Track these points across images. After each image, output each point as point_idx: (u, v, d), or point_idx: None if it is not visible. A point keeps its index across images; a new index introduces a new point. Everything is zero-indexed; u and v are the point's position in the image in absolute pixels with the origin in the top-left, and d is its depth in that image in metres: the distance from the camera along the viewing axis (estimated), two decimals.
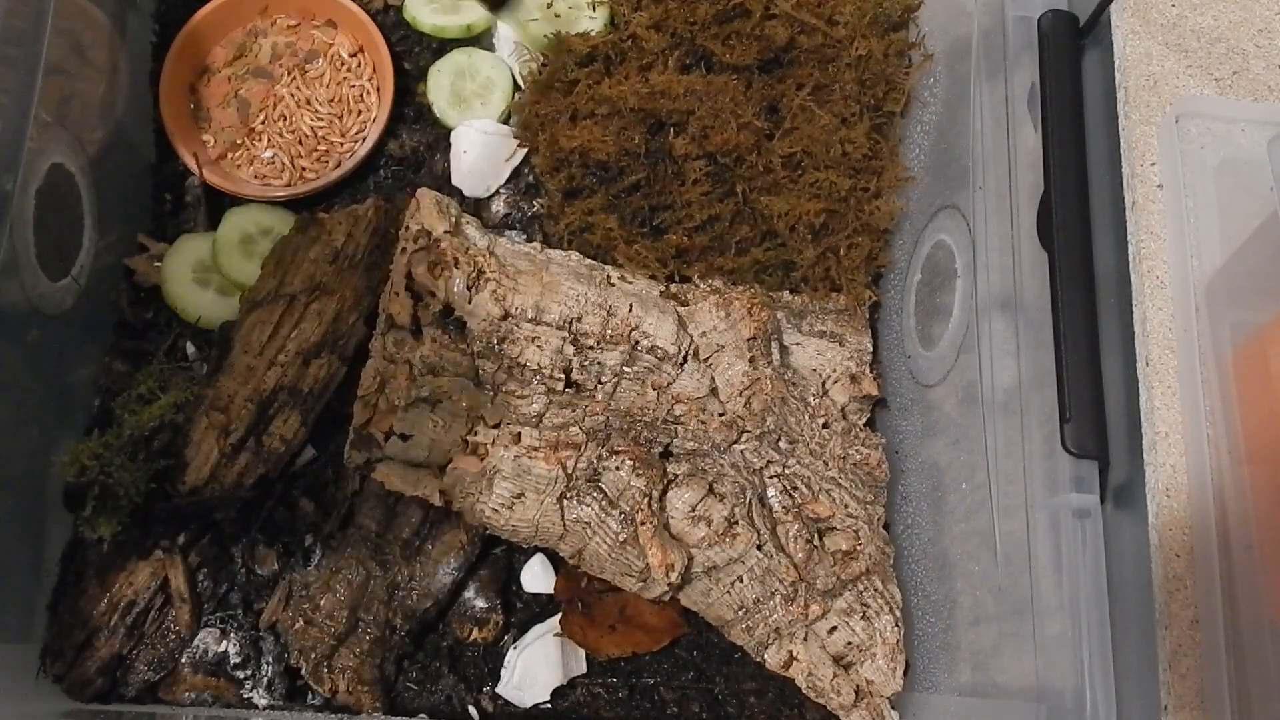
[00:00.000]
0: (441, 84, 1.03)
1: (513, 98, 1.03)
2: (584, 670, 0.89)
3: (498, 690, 0.87)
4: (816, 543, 0.83)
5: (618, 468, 0.80)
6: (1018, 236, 0.77)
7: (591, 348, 0.83)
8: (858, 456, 0.88)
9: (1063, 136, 0.75)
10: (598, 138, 0.92)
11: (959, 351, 0.86)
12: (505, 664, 0.88)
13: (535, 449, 0.80)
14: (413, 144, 1.03)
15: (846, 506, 0.85)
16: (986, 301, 0.81)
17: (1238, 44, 0.82)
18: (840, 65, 0.94)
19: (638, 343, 0.84)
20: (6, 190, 0.75)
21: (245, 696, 0.86)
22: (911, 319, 0.94)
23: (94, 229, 0.91)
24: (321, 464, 0.91)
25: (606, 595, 0.88)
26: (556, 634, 0.87)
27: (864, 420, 0.91)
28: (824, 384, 0.90)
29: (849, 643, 0.82)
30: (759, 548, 0.82)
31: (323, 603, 0.85)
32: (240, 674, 0.86)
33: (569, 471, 0.79)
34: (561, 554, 0.83)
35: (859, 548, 0.84)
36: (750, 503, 0.83)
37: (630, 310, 0.84)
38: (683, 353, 0.85)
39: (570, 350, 0.82)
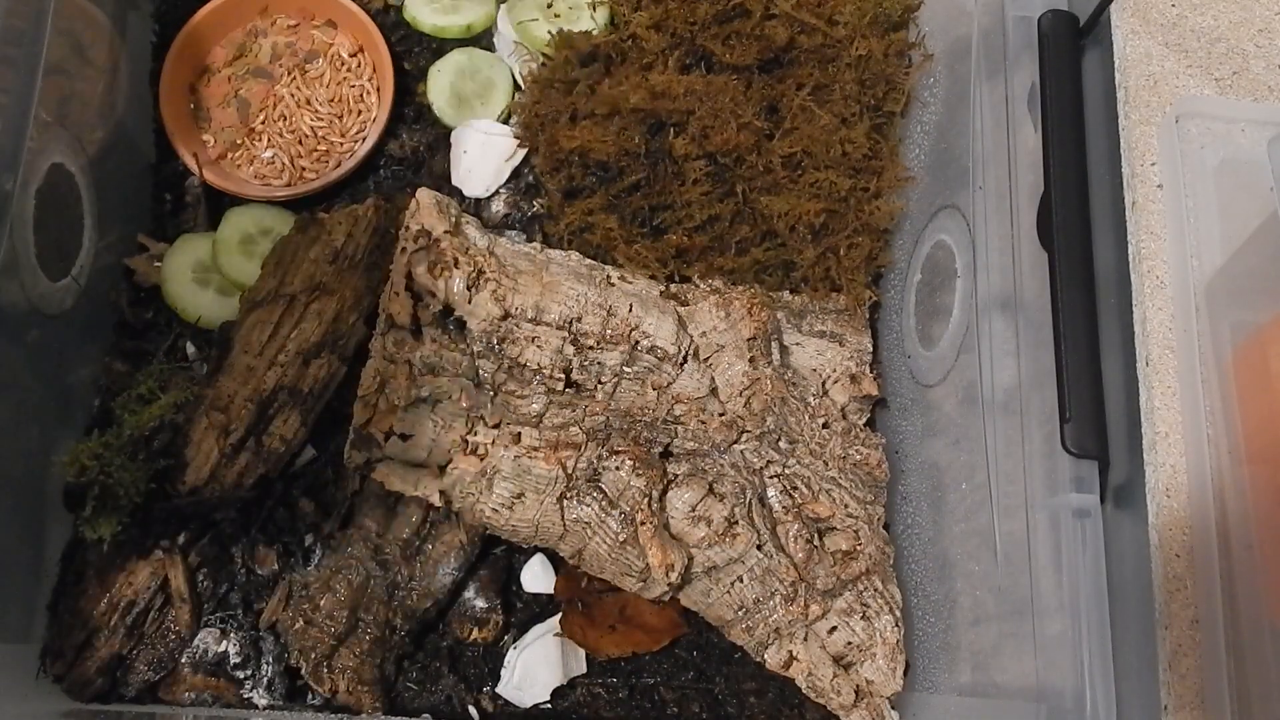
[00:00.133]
0: (441, 84, 1.03)
1: (513, 98, 1.03)
2: (584, 670, 0.89)
3: (498, 690, 0.87)
4: (816, 543, 0.83)
5: (618, 468, 0.80)
6: (1018, 236, 0.77)
7: (591, 348, 0.83)
8: (858, 456, 0.88)
9: (1063, 136, 0.75)
10: (598, 138, 0.92)
11: (959, 351, 0.86)
12: (505, 664, 0.88)
13: (535, 449, 0.80)
14: (413, 144, 1.03)
15: (846, 506, 0.85)
16: (986, 301, 0.81)
17: (1238, 44, 0.82)
18: (840, 65, 0.94)
19: (638, 343, 0.84)
20: (6, 190, 0.75)
21: (245, 696, 0.86)
22: (911, 319, 0.94)
23: (94, 229, 0.91)
24: (321, 464, 0.91)
25: (606, 595, 0.88)
26: (556, 634, 0.87)
27: (864, 420, 0.91)
28: (824, 384, 0.90)
29: (849, 643, 0.82)
30: (759, 548, 0.82)
31: (323, 603, 0.85)
32: (240, 674, 0.86)
33: (569, 471, 0.79)
34: (561, 554, 0.83)
35: (859, 548, 0.84)
36: (750, 503, 0.83)
37: (630, 310, 0.84)
38: (683, 353, 0.85)
39: (570, 350, 0.82)
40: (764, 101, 0.93)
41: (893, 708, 0.83)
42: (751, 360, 0.85)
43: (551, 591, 0.90)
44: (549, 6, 1.02)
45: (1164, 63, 0.81)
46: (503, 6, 1.04)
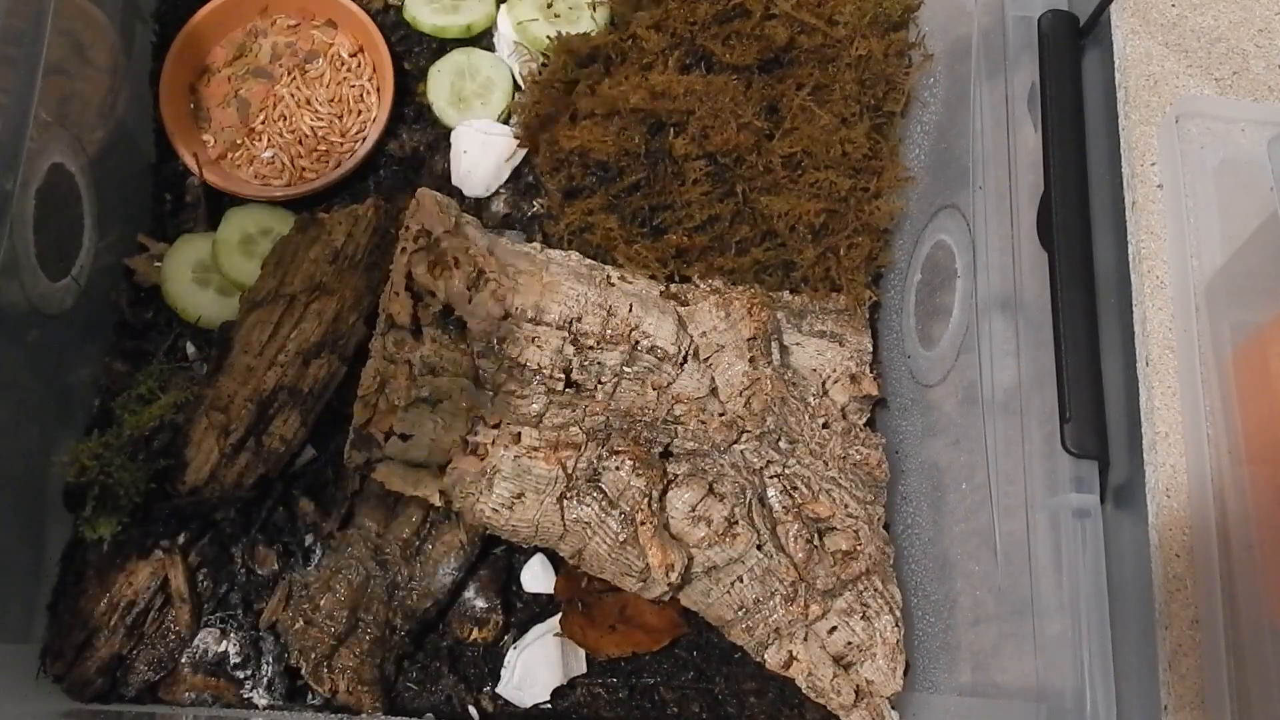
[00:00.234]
0: (441, 84, 1.03)
1: (513, 98, 1.03)
2: (584, 670, 0.89)
3: (498, 690, 0.87)
4: (816, 543, 0.83)
5: (618, 468, 0.80)
6: (1018, 236, 0.77)
7: (591, 348, 0.83)
8: (858, 456, 0.88)
9: (1063, 136, 0.75)
10: (598, 138, 0.92)
11: (959, 351, 0.86)
12: (505, 664, 0.88)
13: (535, 449, 0.80)
14: (413, 144, 1.03)
15: (846, 506, 0.85)
16: (986, 301, 0.81)
17: (1238, 44, 0.82)
18: (840, 65, 0.94)
19: (638, 343, 0.84)
20: (6, 190, 0.75)
21: (245, 696, 0.86)
22: (911, 319, 0.94)
23: (94, 229, 0.91)
24: (321, 464, 0.91)
25: (606, 595, 0.88)
26: (556, 634, 0.87)
27: (864, 420, 0.91)
28: (824, 384, 0.90)
29: (849, 643, 0.82)
30: (759, 548, 0.82)
31: (323, 603, 0.85)
32: (240, 674, 0.86)
33: (569, 471, 0.79)
34: (561, 554, 0.83)
35: (859, 548, 0.84)
36: (750, 503, 0.83)
37: (630, 310, 0.84)
38: (683, 353, 0.85)
39: (570, 350, 0.82)
40: (764, 101, 0.93)
41: (893, 708, 0.83)
42: (751, 360, 0.85)
43: (551, 591, 0.90)
44: (549, 6, 1.02)
45: (1164, 63, 0.81)
46: (503, 6, 1.04)
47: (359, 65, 1.05)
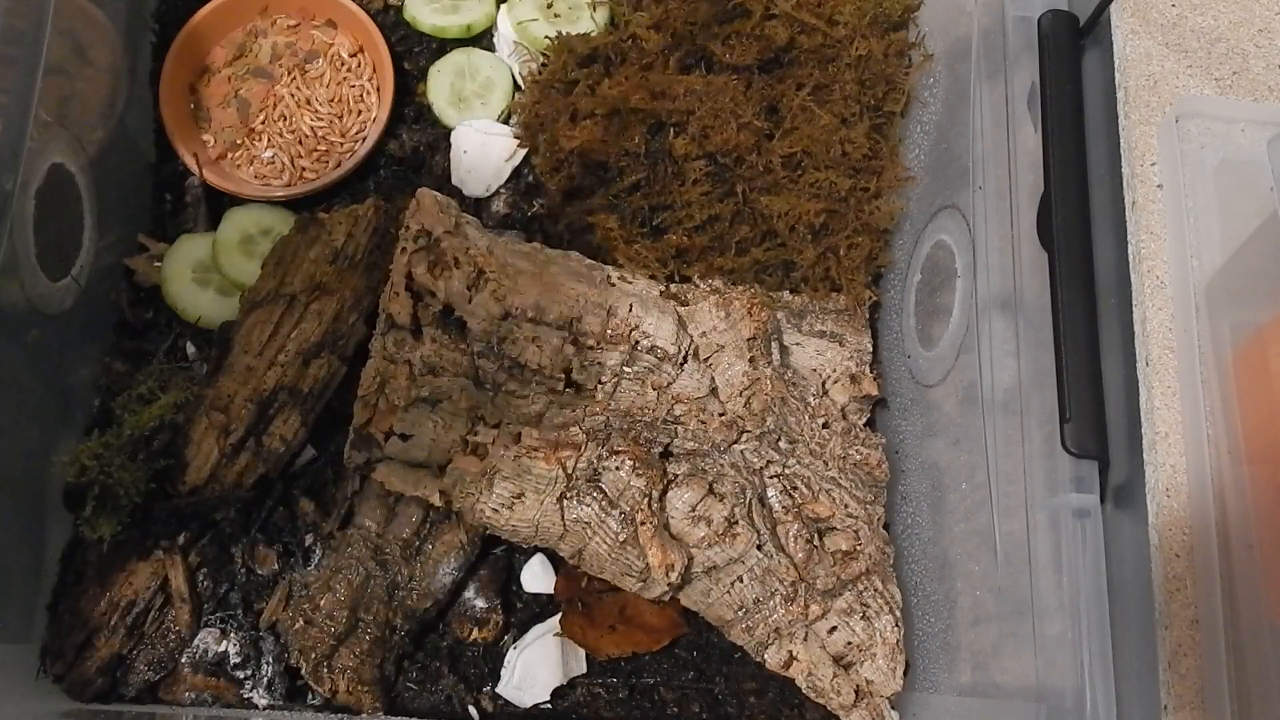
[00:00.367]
0: (441, 84, 1.03)
1: (513, 98, 1.03)
2: (584, 670, 0.89)
3: (498, 690, 0.87)
4: (816, 543, 0.83)
5: (618, 468, 0.80)
6: (1018, 236, 0.77)
7: (591, 348, 0.83)
8: (858, 456, 0.88)
9: (1063, 136, 0.75)
10: (598, 138, 0.92)
11: (959, 351, 0.86)
12: (505, 664, 0.88)
13: (535, 449, 0.80)
14: (413, 144, 1.03)
15: (846, 506, 0.85)
16: (986, 301, 0.81)
17: (1238, 44, 0.82)
18: (840, 65, 0.94)
19: (638, 343, 0.84)
20: (6, 190, 0.75)
21: (245, 696, 0.86)
22: (911, 319, 0.94)
23: (94, 229, 0.91)
24: (321, 464, 0.91)
25: (606, 595, 0.88)
26: (556, 634, 0.87)
27: (864, 420, 0.91)
28: (824, 384, 0.90)
29: (849, 643, 0.82)
30: (759, 548, 0.82)
31: (323, 603, 0.85)
32: (240, 674, 0.86)
33: (569, 471, 0.79)
34: (561, 554, 0.83)
35: (859, 548, 0.84)
36: (750, 503, 0.83)
37: (630, 310, 0.84)
38: (683, 353, 0.85)
39: (570, 350, 0.82)
40: (764, 101, 0.93)
41: (893, 708, 0.83)
42: (751, 360, 0.85)
43: (551, 591, 0.90)
44: (549, 6, 1.02)
45: (1164, 63, 0.81)
46: (503, 6, 1.04)
47: (359, 65, 1.05)
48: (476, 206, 1.01)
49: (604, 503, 0.79)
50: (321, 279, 0.89)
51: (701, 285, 0.91)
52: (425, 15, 1.05)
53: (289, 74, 1.04)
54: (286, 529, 0.90)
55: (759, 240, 0.94)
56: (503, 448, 0.80)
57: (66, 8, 0.84)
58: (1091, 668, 0.66)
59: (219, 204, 1.00)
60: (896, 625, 0.82)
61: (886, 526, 0.88)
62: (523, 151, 1.00)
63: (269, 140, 1.03)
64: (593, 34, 0.99)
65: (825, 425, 0.88)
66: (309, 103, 1.03)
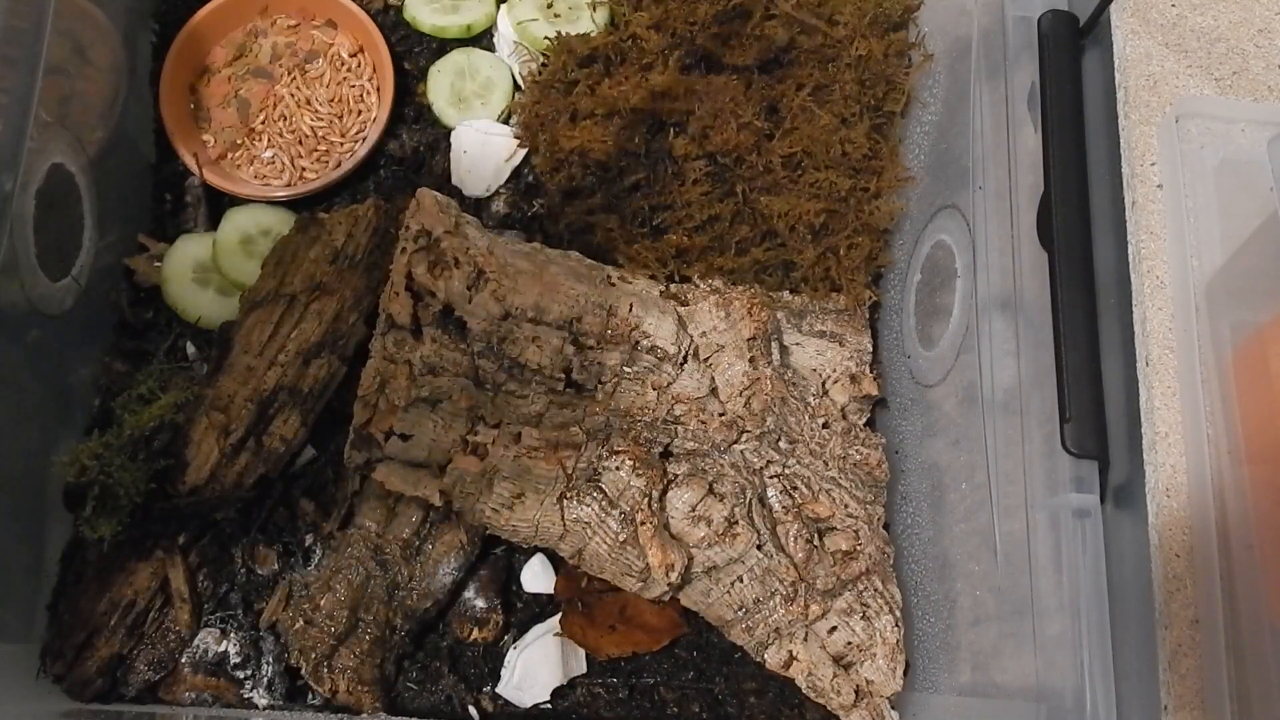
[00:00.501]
0: (441, 84, 1.03)
1: (513, 98, 1.03)
2: (584, 670, 0.89)
3: (498, 690, 0.87)
4: (816, 543, 0.83)
5: (618, 468, 0.80)
6: (1018, 236, 0.77)
7: (591, 348, 0.83)
8: (858, 456, 0.88)
9: (1063, 136, 0.75)
10: (598, 138, 0.92)
11: (959, 351, 0.86)
12: (505, 664, 0.88)
13: (535, 449, 0.80)
14: (413, 144, 1.03)
15: (846, 506, 0.85)
16: (986, 301, 0.81)
17: (1238, 44, 0.82)
18: (840, 65, 0.94)
19: (638, 343, 0.84)
20: (6, 190, 0.75)
21: (245, 696, 0.86)
22: (911, 319, 0.94)
23: (94, 229, 0.91)
24: (321, 464, 0.91)
25: (606, 595, 0.88)
26: (556, 634, 0.87)
27: (864, 420, 0.91)
28: (824, 384, 0.90)
29: (849, 643, 0.82)
30: (759, 548, 0.82)
31: (323, 603, 0.85)
32: (240, 674, 0.86)
33: (569, 471, 0.79)
34: (561, 554, 0.83)
35: (859, 548, 0.84)
36: (750, 503, 0.83)
37: (630, 310, 0.84)
38: (683, 353, 0.85)
39: (570, 350, 0.82)
40: (764, 101, 0.93)
41: (893, 708, 0.83)
42: (751, 360, 0.85)
43: (551, 591, 0.90)
44: (549, 7, 1.02)
45: (1164, 63, 0.81)
46: (503, 6, 1.04)
47: (359, 65, 1.05)
48: (476, 206, 1.01)
49: (604, 503, 0.79)
50: (321, 279, 0.89)
51: (701, 285, 0.91)
52: (425, 15, 1.05)
53: (289, 74, 1.04)
54: (286, 529, 0.89)
55: (759, 240, 0.94)
56: (503, 448, 0.79)
57: (66, 8, 0.84)
58: (1091, 668, 0.66)
59: (219, 204, 1.00)
60: (896, 625, 0.82)
61: (886, 526, 0.88)
62: (523, 151, 1.00)
63: (269, 140, 1.03)
64: (593, 34, 0.99)
65: (825, 425, 0.88)
66: (309, 103, 1.03)
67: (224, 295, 0.95)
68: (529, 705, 0.87)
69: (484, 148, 0.99)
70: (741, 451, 0.85)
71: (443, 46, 1.05)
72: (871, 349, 0.94)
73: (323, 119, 1.03)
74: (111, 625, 0.84)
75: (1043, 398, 0.72)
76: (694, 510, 0.81)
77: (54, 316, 0.86)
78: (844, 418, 0.90)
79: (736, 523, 0.81)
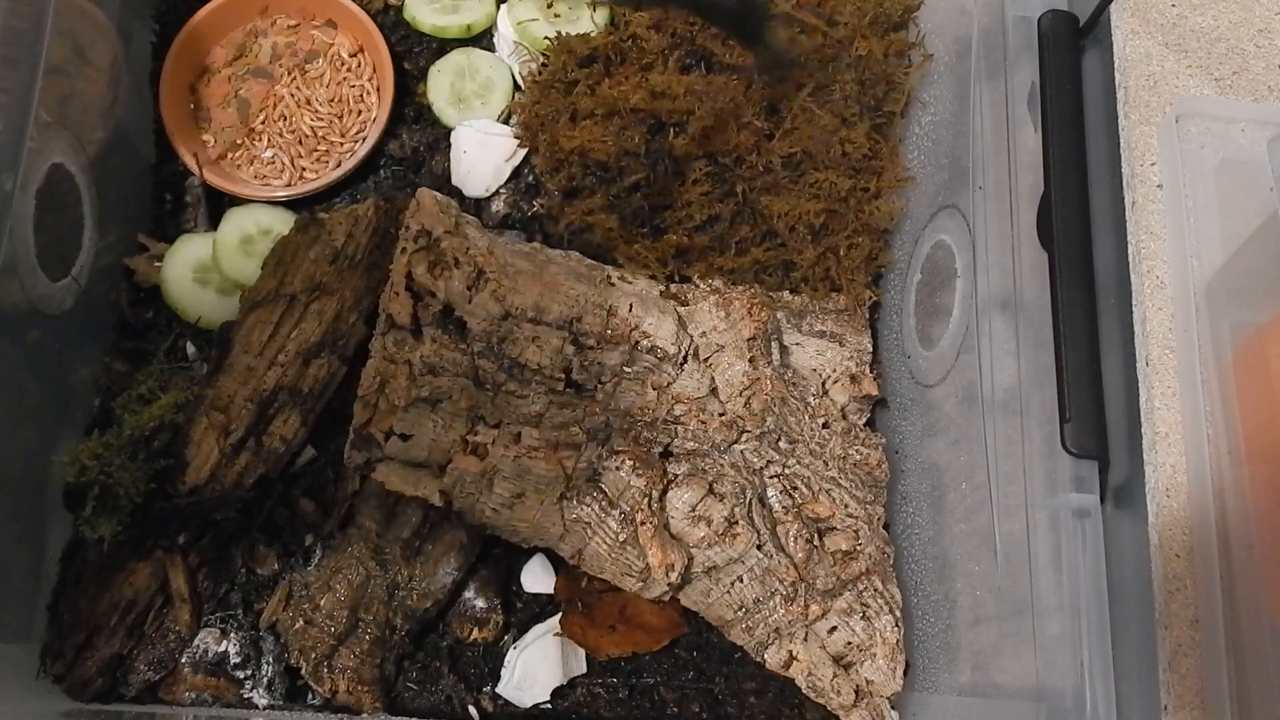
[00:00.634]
0: (441, 84, 1.03)
1: (513, 98, 1.03)
2: (584, 670, 0.89)
3: (498, 690, 0.87)
4: (816, 543, 0.83)
5: (618, 468, 0.80)
6: (1018, 236, 0.77)
7: (591, 347, 0.83)
8: (858, 456, 0.88)
9: (1063, 136, 0.75)
10: (598, 138, 0.92)
11: (959, 351, 0.86)
12: (505, 664, 0.88)
13: (535, 449, 0.80)
14: (413, 144, 1.03)
15: (846, 506, 0.85)
16: (986, 301, 0.81)
17: (1238, 44, 0.82)
18: (840, 65, 0.94)
19: (638, 343, 0.84)
20: (6, 190, 0.75)
21: (245, 696, 0.86)
22: (911, 319, 0.94)
23: (94, 229, 0.91)
24: (321, 464, 0.91)
25: (606, 595, 0.88)
26: (556, 634, 0.87)
27: (864, 420, 0.91)
28: (824, 384, 0.90)
29: (849, 643, 0.82)
30: (759, 548, 0.82)
31: (323, 603, 0.85)
32: (240, 674, 0.86)
33: (569, 471, 0.79)
34: (561, 554, 0.83)
35: (859, 548, 0.84)
36: (750, 503, 0.83)
37: (630, 310, 0.84)
38: (683, 353, 0.85)
39: (570, 350, 0.82)
40: (764, 101, 0.93)
41: (893, 708, 0.83)
42: (751, 360, 0.85)
43: (551, 591, 0.90)
44: (549, 6, 1.02)
45: (1164, 63, 0.81)
46: (503, 6, 1.04)
47: (359, 65, 1.05)
48: (476, 206, 1.01)
49: (604, 503, 0.79)
50: (321, 279, 0.89)
51: (701, 285, 0.91)
52: (425, 15, 1.05)
53: (289, 74, 1.04)
54: (286, 529, 0.89)
55: (759, 240, 0.94)
56: (503, 448, 0.80)
57: (66, 8, 0.84)
58: (1091, 668, 0.66)
59: (219, 204, 1.00)
60: (896, 625, 0.82)
61: (886, 526, 0.88)
62: (523, 151, 1.00)
63: (269, 140, 1.03)
64: (593, 34, 0.99)
65: (825, 425, 0.88)
66: (309, 103, 1.03)
67: (224, 295, 0.95)
68: (529, 705, 0.87)
69: (484, 148, 0.99)
70: (741, 451, 0.85)
71: (443, 46, 1.05)
72: (871, 349, 0.94)
73: (323, 119, 1.03)
74: (111, 625, 0.84)
75: (1043, 398, 0.72)
76: (694, 510, 0.81)
77: (54, 316, 0.86)
78: (844, 418, 0.90)
79: (736, 523, 0.81)
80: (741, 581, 0.82)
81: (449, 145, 1.01)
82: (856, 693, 0.82)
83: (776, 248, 0.94)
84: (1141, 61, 0.81)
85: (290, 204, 1.00)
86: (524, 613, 0.91)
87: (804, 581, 0.82)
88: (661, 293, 0.88)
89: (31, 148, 0.78)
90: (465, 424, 0.81)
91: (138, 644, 0.85)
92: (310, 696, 0.86)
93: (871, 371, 0.92)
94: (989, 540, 0.78)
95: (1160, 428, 0.72)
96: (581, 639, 0.87)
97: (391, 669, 0.86)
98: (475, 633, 0.88)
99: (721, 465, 0.84)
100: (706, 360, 0.86)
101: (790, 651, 0.83)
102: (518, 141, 1.00)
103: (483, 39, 1.06)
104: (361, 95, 1.04)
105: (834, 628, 0.82)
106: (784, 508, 0.84)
